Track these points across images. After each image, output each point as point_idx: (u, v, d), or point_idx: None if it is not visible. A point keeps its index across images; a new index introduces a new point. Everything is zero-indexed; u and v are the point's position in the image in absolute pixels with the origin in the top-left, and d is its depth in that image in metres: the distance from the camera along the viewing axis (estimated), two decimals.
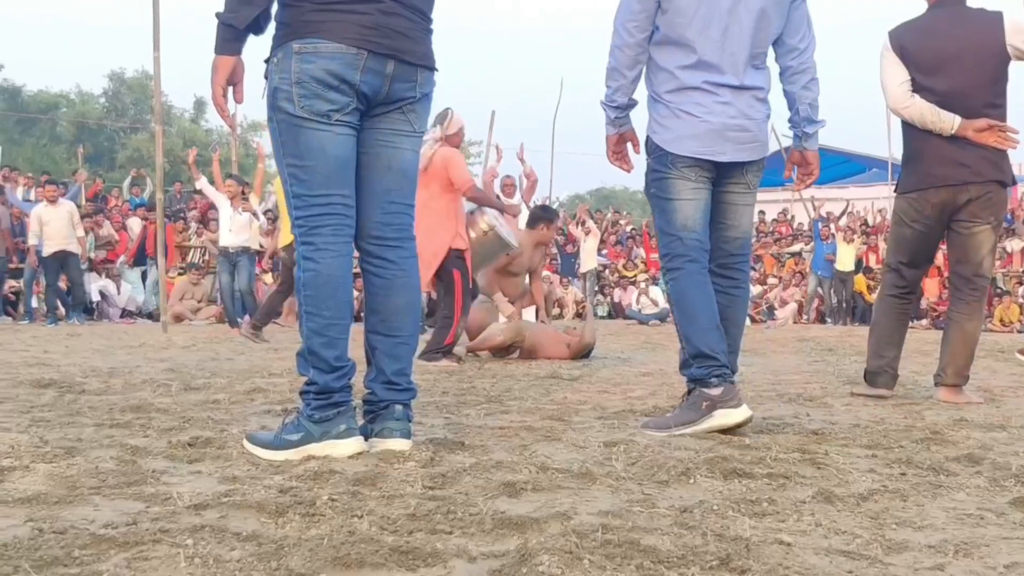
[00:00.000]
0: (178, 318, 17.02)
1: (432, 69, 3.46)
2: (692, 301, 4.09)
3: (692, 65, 4.06)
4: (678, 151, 4.08)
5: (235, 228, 13.70)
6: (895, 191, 5.64)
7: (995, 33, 5.25)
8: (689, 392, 4.12)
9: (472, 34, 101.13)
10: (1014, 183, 5.65)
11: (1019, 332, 17.23)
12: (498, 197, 11.92)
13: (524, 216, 12.19)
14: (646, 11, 4.04)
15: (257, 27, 3.24)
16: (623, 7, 4.08)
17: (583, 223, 23.29)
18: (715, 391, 3.94)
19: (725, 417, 3.92)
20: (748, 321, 18.88)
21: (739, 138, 4.13)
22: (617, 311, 22.81)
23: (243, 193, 14.28)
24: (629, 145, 4.34)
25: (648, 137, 4.23)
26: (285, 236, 10.90)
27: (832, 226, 22.08)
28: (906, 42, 5.35)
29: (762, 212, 27.68)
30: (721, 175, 4.19)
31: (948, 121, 5.22)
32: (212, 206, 17.99)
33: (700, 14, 4.01)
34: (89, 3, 78.43)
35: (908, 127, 5.42)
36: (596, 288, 23.04)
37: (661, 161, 4.14)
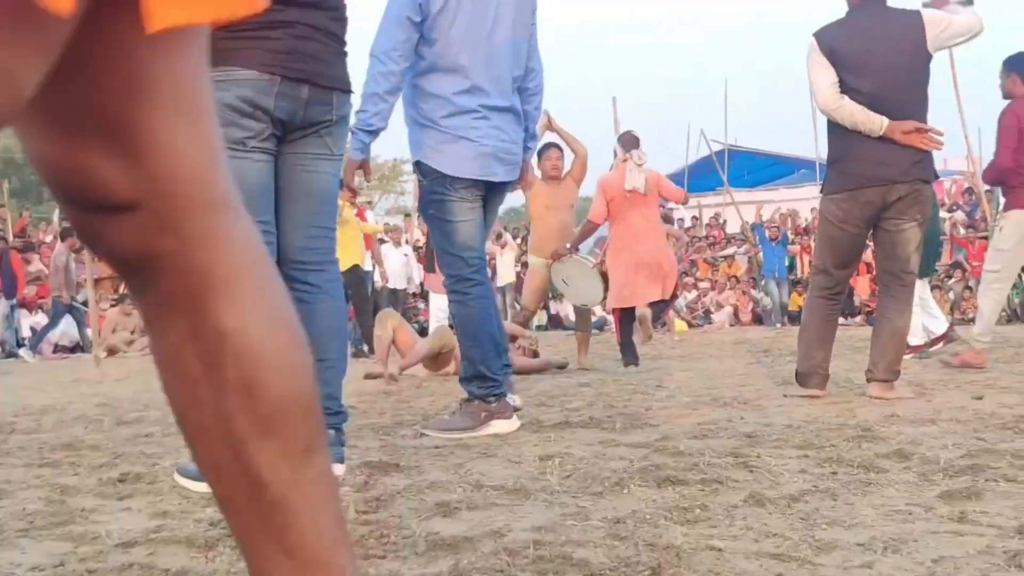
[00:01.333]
0: (112, 351, 16.77)
1: (347, 91, 3.45)
2: (477, 326, 4.50)
3: (467, 90, 4.41)
4: (457, 173, 4.44)
5: None
6: (821, 192, 5.71)
7: (916, 32, 5.37)
8: (468, 401, 4.52)
9: None
10: (937, 179, 5.75)
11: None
12: None
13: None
14: (410, 41, 4.35)
15: None
16: (385, 36, 4.34)
17: (499, 236, 23.26)
18: (492, 406, 4.41)
19: (499, 427, 4.40)
20: (684, 326, 19.00)
21: (508, 160, 4.61)
22: (555, 322, 22.82)
23: None
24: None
25: (421, 162, 4.53)
26: (344, 261, 11.03)
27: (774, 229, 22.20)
28: (834, 44, 5.43)
29: (695, 217, 27.89)
30: (488, 195, 4.61)
31: (877, 122, 5.29)
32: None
33: (468, 40, 4.38)
34: None
35: (835, 128, 5.49)
36: (514, 301, 22.86)
37: (440, 184, 4.47)
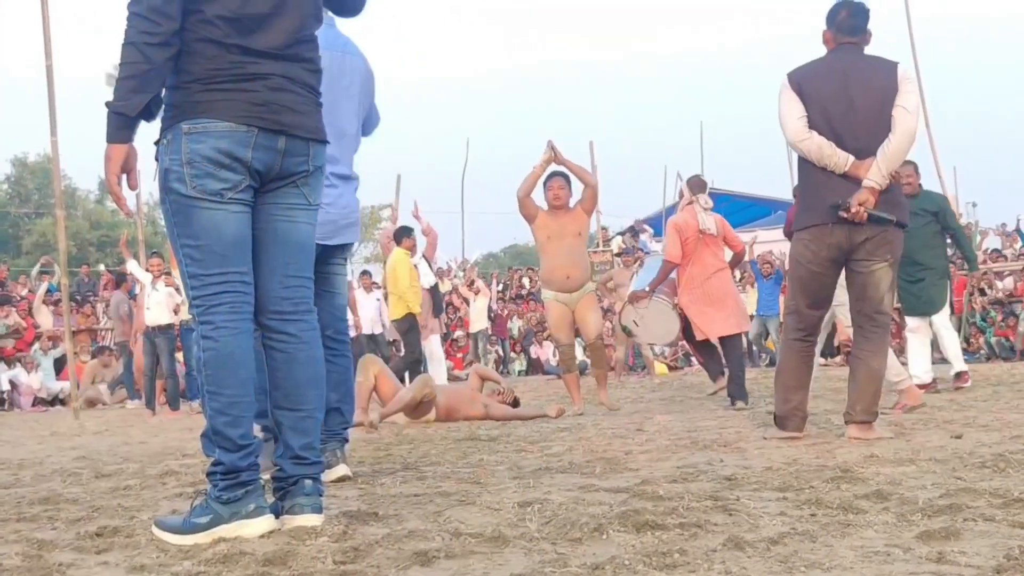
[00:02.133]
0: (91, 403, 16.69)
1: (323, 142, 3.47)
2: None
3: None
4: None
5: (154, 306, 13.44)
6: (788, 229, 5.74)
7: (890, 80, 5.45)
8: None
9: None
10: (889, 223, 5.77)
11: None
12: None
13: (425, 272, 12.30)
14: None
15: (148, 114, 3.23)
16: None
17: (471, 283, 23.27)
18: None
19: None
20: (665, 368, 18.98)
21: (351, 224, 5.03)
22: (535, 367, 22.81)
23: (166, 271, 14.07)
24: None
25: None
26: (395, 309, 11.15)
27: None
28: (804, 82, 5.51)
29: None
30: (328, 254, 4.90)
31: (843, 158, 5.35)
32: None
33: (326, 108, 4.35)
34: None
35: (805, 164, 5.55)
36: (486, 348, 22.78)
37: None
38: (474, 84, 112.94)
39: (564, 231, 8.67)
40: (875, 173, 5.31)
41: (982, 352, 18.46)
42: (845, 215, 5.31)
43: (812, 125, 5.42)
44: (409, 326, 11.57)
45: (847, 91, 5.43)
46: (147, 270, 13.84)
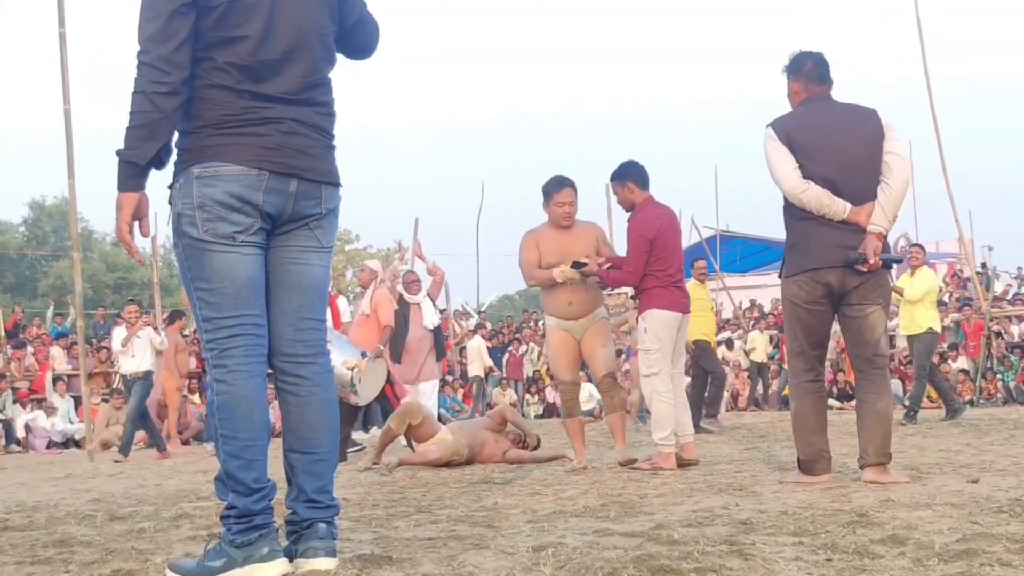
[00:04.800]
0: (106, 445, 16.68)
1: (336, 185, 3.49)
2: None
3: None
4: None
5: (138, 353, 13.28)
6: (780, 276, 5.79)
7: (875, 126, 5.57)
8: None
9: (396, 143, 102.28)
10: (895, 263, 5.93)
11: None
12: (401, 296, 11.65)
13: (428, 311, 11.80)
14: None
15: (159, 162, 3.25)
16: None
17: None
18: None
19: None
20: None
21: None
22: (551, 410, 22.73)
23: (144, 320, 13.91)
24: None
25: None
26: (694, 331, 10.90)
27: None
28: (791, 132, 5.60)
29: None
30: None
31: (841, 206, 5.45)
32: None
33: None
34: (6, 132, 78.14)
35: (794, 213, 5.63)
36: (484, 391, 22.53)
37: None
38: (489, 128, 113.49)
39: (567, 254, 7.31)
40: (881, 219, 5.43)
41: (999, 396, 18.36)
42: (864, 268, 5.40)
43: (806, 175, 5.50)
44: None
45: (836, 139, 5.54)
46: (123, 317, 13.69)
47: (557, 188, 7.40)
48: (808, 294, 5.56)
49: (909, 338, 12.44)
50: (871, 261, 5.39)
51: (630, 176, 7.36)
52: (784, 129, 5.60)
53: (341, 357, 8.88)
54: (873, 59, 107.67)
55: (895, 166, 5.49)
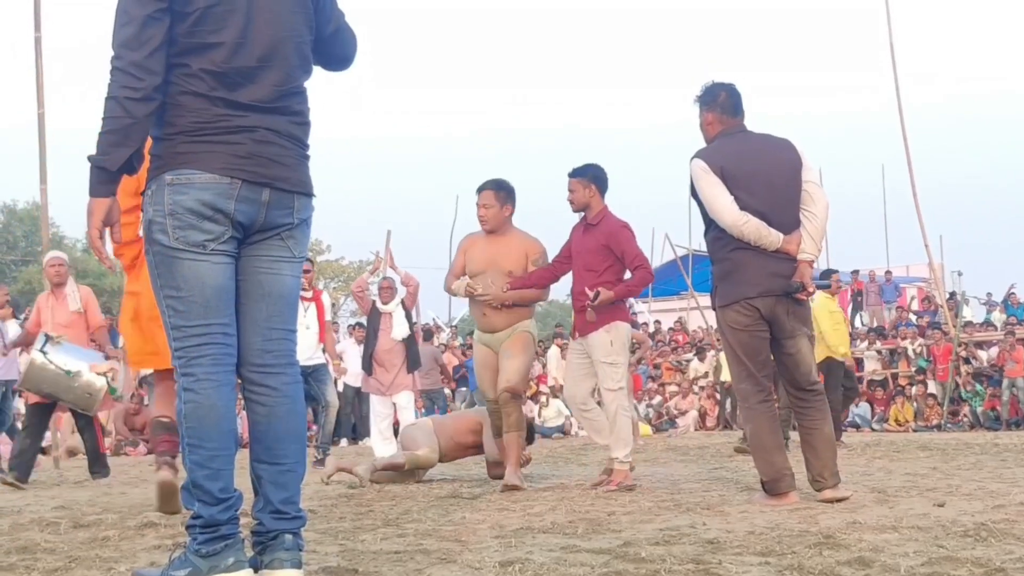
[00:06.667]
0: (72, 452, 16.54)
1: (309, 195, 3.47)
2: None
3: None
4: None
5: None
6: (714, 306, 5.89)
7: (793, 156, 5.76)
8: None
9: (367, 153, 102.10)
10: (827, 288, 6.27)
11: (914, 431, 17.53)
12: (373, 304, 11.47)
13: (399, 322, 11.52)
14: None
15: (130, 167, 3.23)
16: None
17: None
18: None
19: None
20: (649, 429, 18.92)
21: None
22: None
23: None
24: None
25: None
26: (820, 352, 10.66)
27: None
28: (724, 163, 5.70)
29: (658, 321, 27.99)
30: None
31: (775, 237, 5.61)
32: None
33: None
34: None
35: (724, 243, 5.75)
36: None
37: None
38: (463, 143, 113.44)
39: (494, 263, 7.19)
40: (811, 247, 5.68)
41: (965, 419, 18.45)
42: (804, 297, 5.71)
43: (741, 206, 5.62)
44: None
45: (763, 171, 5.69)
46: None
47: (479, 190, 7.39)
48: (748, 318, 5.69)
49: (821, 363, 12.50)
50: (809, 289, 5.63)
51: (596, 179, 7.20)
52: (716, 161, 5.70)
53: (85, 364, 8.26)
54: (843, 83, 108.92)
55: (816, 195, 5.71)
